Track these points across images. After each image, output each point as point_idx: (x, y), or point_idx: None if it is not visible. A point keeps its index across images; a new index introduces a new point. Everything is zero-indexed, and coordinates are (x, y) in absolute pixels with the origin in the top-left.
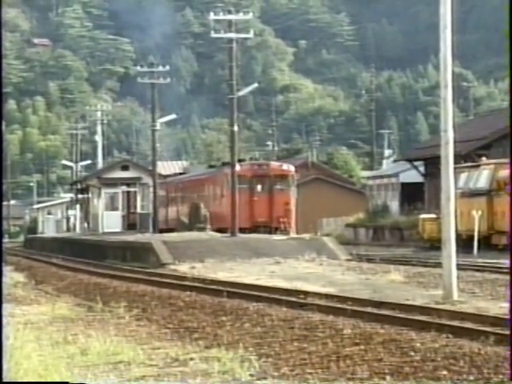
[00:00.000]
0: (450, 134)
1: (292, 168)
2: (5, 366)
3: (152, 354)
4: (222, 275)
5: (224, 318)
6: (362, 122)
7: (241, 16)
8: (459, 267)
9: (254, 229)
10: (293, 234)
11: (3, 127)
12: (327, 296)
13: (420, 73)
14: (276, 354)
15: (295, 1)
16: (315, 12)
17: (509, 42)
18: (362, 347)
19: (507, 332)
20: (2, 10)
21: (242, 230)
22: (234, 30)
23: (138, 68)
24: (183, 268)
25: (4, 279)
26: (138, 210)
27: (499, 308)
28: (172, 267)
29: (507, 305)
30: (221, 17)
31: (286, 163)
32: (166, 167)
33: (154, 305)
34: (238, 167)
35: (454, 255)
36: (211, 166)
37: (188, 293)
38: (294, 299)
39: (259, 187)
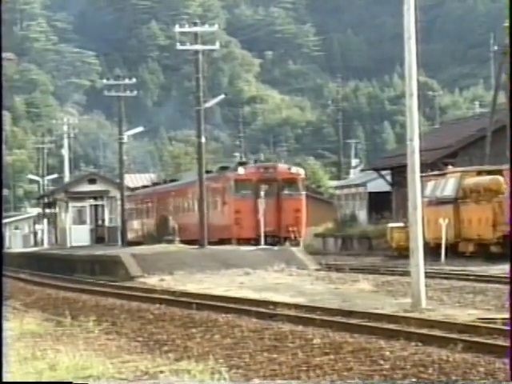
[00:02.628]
0: (416, 143)
1: (302, 171)
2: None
3: (122, 368)
4: (192, 287)
5: (194, 330)
6: (329, 132)
7: (206, 28)
8: (427, 275)
9: (260, 239)
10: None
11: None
12: (296, 306)
13: (386, 82)
14: (246, 365)
15: (260, 12)
16: (281, 23)
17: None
18: (332, 357)
19: (474, 339)
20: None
21: (248, 242)
22: (199, 41)
23: (105, 81)
24: (152, 281)
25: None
26: (106, 223)
27: (467, 315)
28: (141, 280)
29: (475, 311)
30: (186, 29)
31: (294, 166)
32: (133, 180)
33: (124, 318)
34: (241, 170)
35: (421, 263)
36: (208, 172)
37: (157, 305)
38: (263, 310)
39: (265, 192)
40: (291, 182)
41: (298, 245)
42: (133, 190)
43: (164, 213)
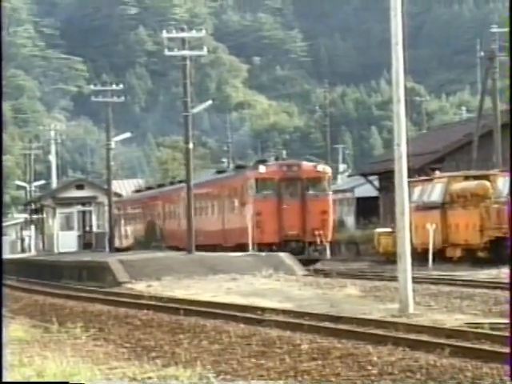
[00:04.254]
0: (404, 148)
1: (328, 169)
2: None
3: (109, 374)
4: (179, 293)
5: (181, 336)
6: (317, 138)
7: (194, 34)
8: (415, 280)
9: (284, 244)
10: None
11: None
12: (284, 311)
13: (373, 88)
14: (234, 371)
15: (248, 18)
16: (268, 29)
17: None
18: (320, 362)
19: (462, 344)
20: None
21: (269, 247)
22: (187, 47)
23: (92, 87)
24: (140, 286)
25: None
26: (94, 229)
27: (454, 320)
28: (129, 286)
29: (463, 316)
30: (174, 35)
31: (320, 164)
32: (121, 186)
33: (111, 324)
34: (263, 168)
35: (409, 269)
36: (219, 172)
37: (145, 311)
38: (251, 315)
39: (289, 193)
40: (317, 181)
41: (324, 250)
42: (119, 196)
43: (152, 218)
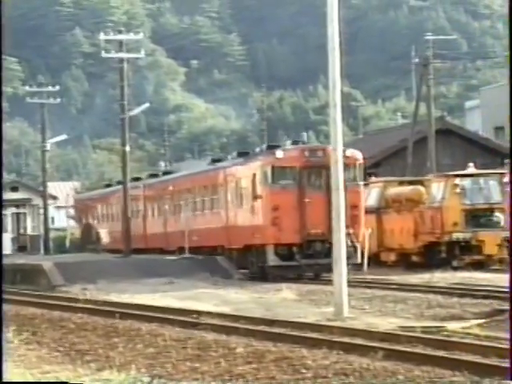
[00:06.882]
0: (340, 153)
1: (359, 155)
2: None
3: (42, 379)
4: (115, 296)
5: (116, 340)
6: (254, 141)
7: (131, 36)
8: (350, 284)
9: (306, 245)
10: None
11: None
12: (220, 315)
13: (310, 92)
14: (169, 375)
15: (186, 21)
16: (206, 32)
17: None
18: (255, 365)
19: (395, 347)
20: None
21: (289, 248)
22: (124, 49)
23: (27, 88)
24: (75, 290)
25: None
26: (29, 231)
27: (388, 323)
28: (63, 289)
29: (396, 320)
30: (111, 37)
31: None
32: (57, 188)
33: (45, 328)
34: (280, 153)
35: (344, 273)
36: (215, 160)
37: (79, 314)
38: (187, 319)
39: (312, 184)
40: (346, 168)
41: (354, 252)
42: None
43: (89, 220)
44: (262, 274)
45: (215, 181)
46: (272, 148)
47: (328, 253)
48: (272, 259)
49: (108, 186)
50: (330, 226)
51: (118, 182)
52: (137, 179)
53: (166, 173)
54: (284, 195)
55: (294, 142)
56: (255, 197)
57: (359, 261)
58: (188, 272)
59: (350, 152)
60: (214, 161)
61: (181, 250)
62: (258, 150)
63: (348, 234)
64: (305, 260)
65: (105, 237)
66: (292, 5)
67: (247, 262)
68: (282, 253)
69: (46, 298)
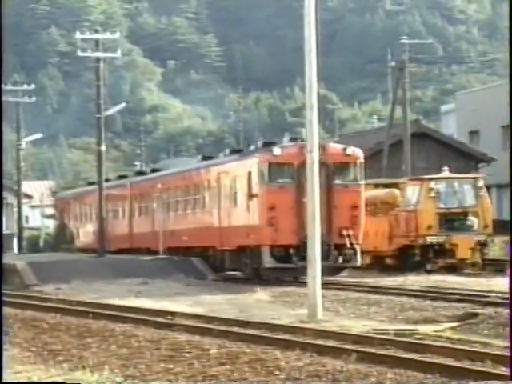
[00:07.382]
0: (316, 155)
1: (360, 153)
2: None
3: (13, 379)
4: (89, 296)
5: (90, 340)
6: (231, 143)
7: (108, 35)
8: (324, 286)
9: (304, 247)
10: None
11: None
12: (194, 316)
13: (287, 94)
14: (142, 375)
15: (163, 21)
16: (183, 33)
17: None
18: (228, 367)
19: (368, 349)
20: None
21: (286, 250)
22: (101, 49)
23: (2, 86)
24: (48, 289)
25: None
26: (3, 230)
27: (362, 326)
28: (37, 289)
29: (370, 322)
30: (88, 36)
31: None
32: (31, 187)
33: (17, 327)
34: (277, 150)
35: (319, 275)
36: (206, 158)
37: (53, 314)
38: (161, 320)
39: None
40: (346, 167)
41: (354, 255)
42: (30, 197)
43: (64, 220)
44: (256, 276)
45: (207, 178)
46: (269, 145)
47: (326, 255)
48: (268, 261)
49: (91, 184)
50: (329, 227)
51: (106, 180)
52: (123, 177)
53: (154, 170)
54: (281, 194)
55: (292, 139)
56: (251, 196)
57: (359, 264)
58: (163, 273)
59: (350, 150)
60: (205, 158)
61: (170, 250)
62: (253, 147)
63: (347, 236)
64: (302, 262)
65: (82, 236)
66: (269, 7)
67: (240, 263)
68: (279, 254)
69: (19, 297)
